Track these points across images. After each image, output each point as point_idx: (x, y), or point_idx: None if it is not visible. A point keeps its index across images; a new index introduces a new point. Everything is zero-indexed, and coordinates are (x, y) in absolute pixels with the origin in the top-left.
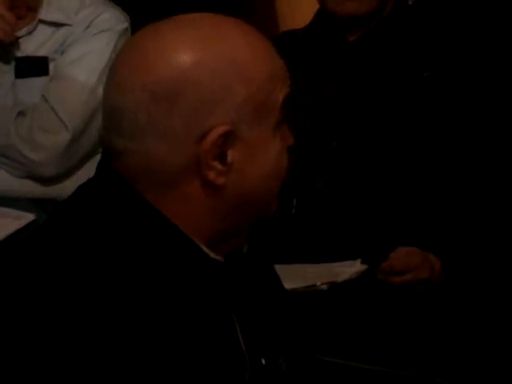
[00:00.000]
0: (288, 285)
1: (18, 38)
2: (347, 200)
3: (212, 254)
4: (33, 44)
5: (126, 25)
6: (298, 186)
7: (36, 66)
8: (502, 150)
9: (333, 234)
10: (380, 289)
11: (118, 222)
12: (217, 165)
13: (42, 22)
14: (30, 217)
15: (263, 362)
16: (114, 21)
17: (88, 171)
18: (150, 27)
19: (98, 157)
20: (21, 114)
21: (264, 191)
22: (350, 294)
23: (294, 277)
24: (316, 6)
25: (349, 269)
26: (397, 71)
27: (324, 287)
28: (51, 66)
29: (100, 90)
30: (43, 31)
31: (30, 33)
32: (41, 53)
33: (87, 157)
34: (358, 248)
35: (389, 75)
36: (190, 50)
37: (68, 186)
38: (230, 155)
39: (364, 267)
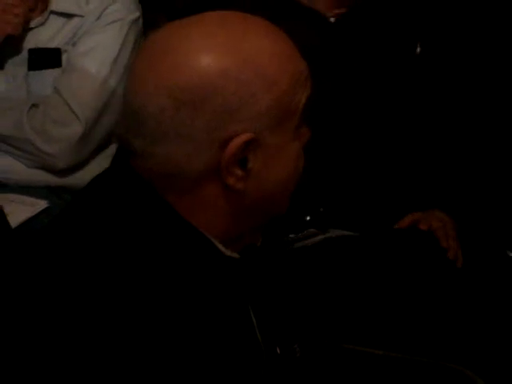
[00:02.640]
0: None
1: (31, 29)
2: (345, 183)
3: (228, 252)
4: (45, 35)
5: (137, 14)
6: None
7: (49, 58)
8: (497, 124)
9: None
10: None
11: (136, 219)
12: (237, 171)
13: (53, 12)
14: (43, 204)
15: (278, 350)
16: (125, 10)
17: (100, 162)
18: (176, 26)
19: (111, 148)
20: (34, 106)
21: (281, 193)
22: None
23: None
24: None
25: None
26: (388, 49)
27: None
28: (64, 57)
29: (112, 81)
30: (55, 22)
31: (42, 24)
32: (53, 44)
33: (100, 148)
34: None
35: (378, 54)
36: (217, 56)
37: (81, 176)
38: (251, 161)
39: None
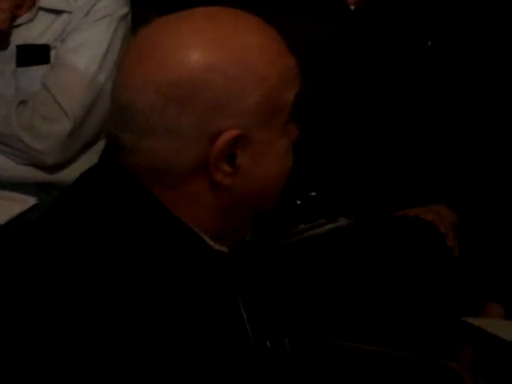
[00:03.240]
0: None
1: (19, 25)
2: (355, 170)
3: (216, 246)
4: (34, 32)
5: (126, 10)
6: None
7: (37, 54)
8: (506, 118)
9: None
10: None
11: (124, 214)
12: (225, 167)
13: (42, 9)
14: (32, 200)
15: (268, 344)
16: (114, 6)
17: (90, 158)
18: (165, 21)
19: (100, 144)
20: (22, 102)
21: (270, 190)
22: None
23: None
24: None
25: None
26: (401, 40)
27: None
28: (52, 53)
29: (101, 78)
30: (44, 18)
31: (30, 20)
32: (42, 41)
33: (89, 144)
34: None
35: (392, 44)
36: (206, 51)
37: (70, 173)
38: (239, 157)
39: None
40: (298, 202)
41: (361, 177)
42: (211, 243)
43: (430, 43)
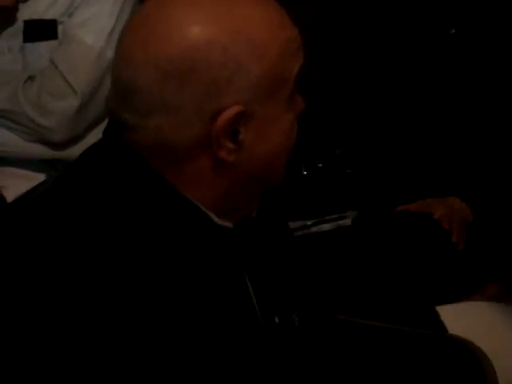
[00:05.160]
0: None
1: (26, 0)
2: (364, 160)
3: (220, 221)
4: (41, 7)
5: None
6: (309, 151)
7: (44, 30)
8: None
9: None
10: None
11: (127, 191)
12: (228, 143)
13: None
14: (40, 177)
15: (276, 320)
16: None
17: (97, 135)
18: None
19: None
20: (30, 78)
21: (274, 165)
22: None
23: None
24: None
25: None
26: (424, 28)
27: (314, 229)
28: (59, 28)
29: (109, 53)
30: None
31: None
32: (49, 16)
33: (97, 120)
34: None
35: (416, 32)
36: (204, 26)
37: (78, 149)
38: (243, 134)
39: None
40: (305, 173)
41: (372, 167)
42: (215, 219)
43: (452, 31)
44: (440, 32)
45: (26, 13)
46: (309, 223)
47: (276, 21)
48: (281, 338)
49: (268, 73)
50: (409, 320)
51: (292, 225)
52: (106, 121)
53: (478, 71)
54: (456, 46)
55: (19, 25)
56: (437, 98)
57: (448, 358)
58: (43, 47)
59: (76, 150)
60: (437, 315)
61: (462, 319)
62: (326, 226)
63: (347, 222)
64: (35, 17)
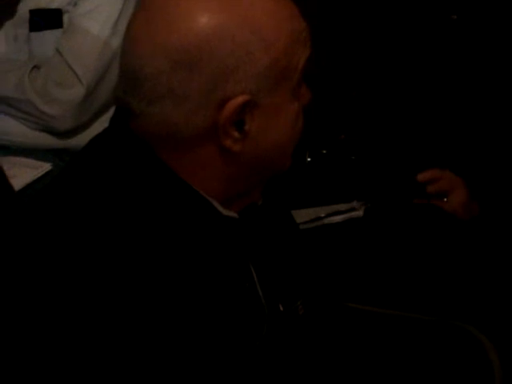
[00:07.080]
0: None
1: None
2: (366, 148)
3: (225, 211)
4: None
5: None
6: (314, 138)
7: (50, 19)
8: None
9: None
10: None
11: (133, 179)
12: (234, 132)
13: None
14: (47, 166)
15: (281, 308)
16: None
17: (103, 124)
18: None
19: (114, 109)
20: (35, 67)
21: (279, 155)
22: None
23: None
24: None
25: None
26: (425, 14)
27: (326, 221)
28: (65, 18)
29: (114, 42)
30: None
31: None
32: (54, 5)
33: (102, 109)
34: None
35: (417, 18)
36: (213, 15)
37: (84, 138)
38: (248, 123)
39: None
40: (309, 160)
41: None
42: (220, 208)
43: (454, 17)
44: (441, 18)
45: (31, 2)
46: (322, 215)
47: (285, 11)
48: (285, 325)
49: (275, 63)
50: (418, 310)
51: (304, 217)
52: (111, 110)
53: (479, 57)
54: (457, 33)
55: (25, 14)
56: (439, 84)
57: (456, 348)
58: (49, 36)
59: (81, 140)
60: None
61: None
62: (337, 218)
63: (359, 213)
64: (41, 6)
